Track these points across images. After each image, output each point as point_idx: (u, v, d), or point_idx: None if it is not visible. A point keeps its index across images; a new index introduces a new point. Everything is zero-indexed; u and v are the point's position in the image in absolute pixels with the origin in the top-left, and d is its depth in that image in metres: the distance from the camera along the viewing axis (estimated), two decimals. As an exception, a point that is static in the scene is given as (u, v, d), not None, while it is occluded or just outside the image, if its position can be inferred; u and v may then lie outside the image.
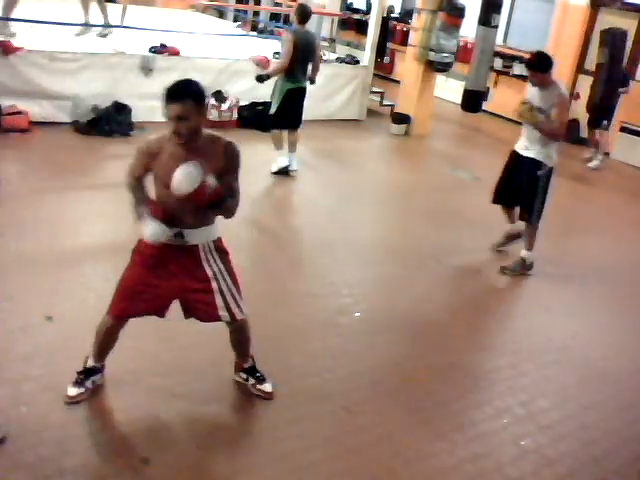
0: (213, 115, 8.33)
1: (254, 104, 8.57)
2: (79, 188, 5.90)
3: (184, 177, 2.81)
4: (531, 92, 5.16)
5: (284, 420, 3.38)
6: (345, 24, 14.62)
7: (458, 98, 10.13)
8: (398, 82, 11.26)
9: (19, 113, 7.07)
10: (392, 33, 13.24)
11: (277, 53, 8.77)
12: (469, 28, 9.70)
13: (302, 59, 6.74)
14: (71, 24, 8.51)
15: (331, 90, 9.78)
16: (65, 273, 4.48)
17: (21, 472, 2.83)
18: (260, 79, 6.85)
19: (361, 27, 13.37)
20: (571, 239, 6.52)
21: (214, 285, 3.19)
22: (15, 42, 7.33)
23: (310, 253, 5.47)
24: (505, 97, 11.79)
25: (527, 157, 5.21)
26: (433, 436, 3.47)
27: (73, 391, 3.27)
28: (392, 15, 13.62)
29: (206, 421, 3.32)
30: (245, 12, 14.61)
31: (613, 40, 9.02)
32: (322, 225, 6.11)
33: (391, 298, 4.93)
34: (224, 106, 8.43)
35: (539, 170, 5.14)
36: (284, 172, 7.11)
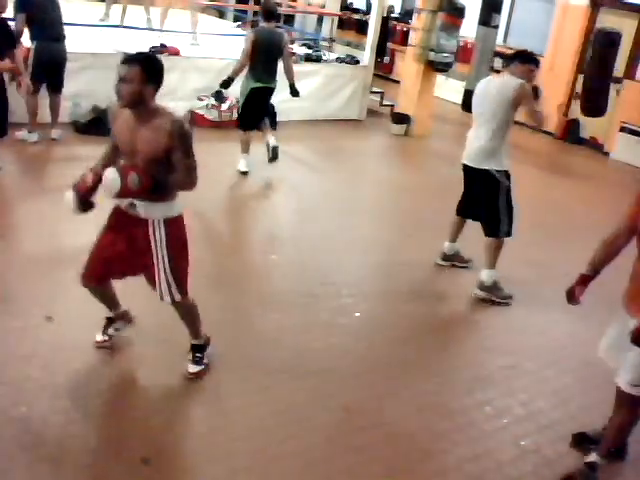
0: (213, 115, 8.34)
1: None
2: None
3: (105, 184, 3.07)
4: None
5: (284, 420, 3.38)
6: (345, 24, 14.62)
7: (458, 98, 10.14)
8: (398, 82, 11.26)
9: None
10: (392, 33, 13.23)
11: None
12: (469, 28, 9.70)
13: (265, 58, 6.57)
14: (70, 24, 8.49)
15: (331, 90, 9.78)
16: (65, 273, 4.47)
17: (21, 472, 2.83)
18: (224, 84, 6.78)
19: (361, 27, 13.37)
20: (571, 238, 6.52)
21: (154, 261, 3.29)
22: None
23: (310, 253, 5.47)
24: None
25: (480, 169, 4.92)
26: (433, 436, 3.47)
27: (100, 337, 3.68)
28: (392, 15, 13.60)
29: (206, 421, 3.32)
30: (245, 12, 14.59)
31: (599, 40, 9.04)
32: (322, 225, 6.11)
33: (391, 298, 4.93)
34: (224, 106, 8.42)
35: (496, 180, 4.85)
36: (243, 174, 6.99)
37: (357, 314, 4.58)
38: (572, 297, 3.29)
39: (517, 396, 3.90)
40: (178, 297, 3.37)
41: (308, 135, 8.45)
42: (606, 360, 3.22)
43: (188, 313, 3.52)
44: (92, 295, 3.53)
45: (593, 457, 3.22)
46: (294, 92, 7.01)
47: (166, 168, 3.12)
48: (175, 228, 3.32)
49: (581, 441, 3.45)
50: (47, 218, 5.24)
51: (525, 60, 4.73)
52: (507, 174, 4.90)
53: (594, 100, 9.03)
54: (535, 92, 4.74)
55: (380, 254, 5.77)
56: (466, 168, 5.03)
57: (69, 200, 3.27)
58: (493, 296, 4.99)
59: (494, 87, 4.79)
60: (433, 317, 4.76)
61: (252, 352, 3.92)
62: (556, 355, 4.41)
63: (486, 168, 4.86)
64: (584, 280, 3.25)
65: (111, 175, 3.04)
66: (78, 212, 3.32)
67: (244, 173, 6.90)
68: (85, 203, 3.31)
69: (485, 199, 4.99)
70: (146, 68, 3.07)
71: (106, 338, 3.69)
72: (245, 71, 6.70)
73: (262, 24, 6.77)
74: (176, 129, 3.10)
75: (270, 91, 6.84)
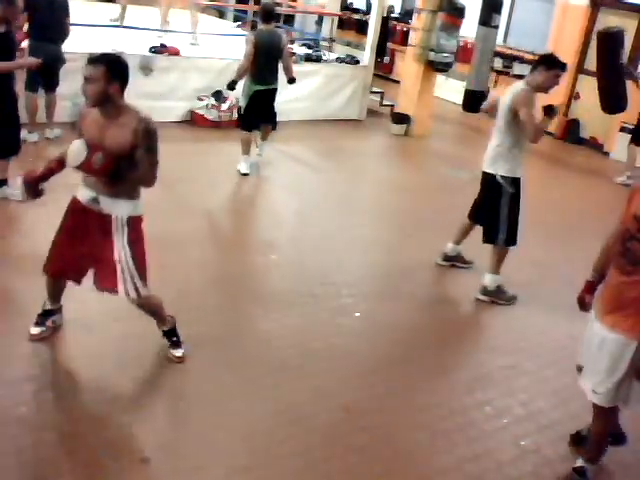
0: (213, 115, 8.34)
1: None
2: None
3: (71, 152, 3.16)
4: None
5: (284, 420, 3.38)
6: (345, 24, 14.62)
7: (458, 98, 10.14)
8: (398, 82, 11.26)
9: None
10: (392, 33, 13.22)
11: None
12: (469, 28, 9.70)
13: (266, 60, 6.62)
14: (71, 24, 8.48)
15: (331, 90, 9.78)
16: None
17: (21, 472, 2.83)
18: (230, 86, 6.80)
19: (361, 27, 13.37)
20: (571, 239, 6.52)
21: (116, 257, 3.31)
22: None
23: (310, 253, 5.47)
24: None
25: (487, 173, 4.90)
26: (433, 436, 3.47)
27: (36, 330, 3.64)
28: (392, 15, 13.60)
29: (206, 421, 3.32)
30: (245, 12, 14.59)
31: (609, 39, 8.98)
32: (322, 225, 6.11)
33: (391, 298, 4.93)
34: (224, 106, 8.42)
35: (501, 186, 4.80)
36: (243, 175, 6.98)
37: (357, 314, 4.58)
38: (584, 305, 3.29)
39: (517, 396, 3.90)
40: (145, 291, 3.40)
41: (308, 135, 8.45)
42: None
43: (153, 309, 3.55)
44: (48, 286, 3.59)
45: (580, 462, 3.23)
46: (291, 81, 7.03)
47: (129, 164, 3.19)
48: (138, 227, 3.37)
49: (579, 441, 3.46)
50: (47, 218, 5.24)
51: (551, 65, 4.58)
52: (515, 181, 4.80)
53: (616, 97, 8.95)
54: (551, 111, 4.63)
55: (380, 254, 5.77)
56: (482, 172, 4.98)
57: (18, 189, 3.46)
58: (497, 300, 4.98)
59: (508, 92, 4.75)
60: (433, 317, 4.76)
61: (252, 352, 3.92)
62: (556, 355, 4.40)
63: (492, 172, 4.82)
64: (591, 286, 3.25)
65: (78, 145, 3.14)
66: (27, 199, 3.58)
67: (244, 175, 6.91)
68: (33, 191, 3.48)
69: (487, 204, 4.97)
70: (110, 67, 3.15)
71: (43, 329, 3.67)
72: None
73: (261, 26, 6.78)
74: (142, 127, 3.16)
75: (272, 92, 6.87)
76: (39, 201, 4.98)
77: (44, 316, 3.69)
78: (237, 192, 6.80)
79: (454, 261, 5.50)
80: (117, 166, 3.17)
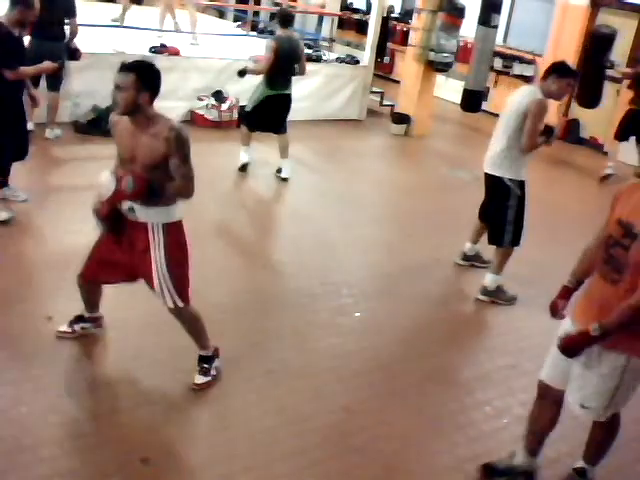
0: (213, 115, 8.34)
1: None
2: (79, 188, 5.89)
3: (101, 186, 3.18)
4: None
5: (284, 420, 3.38)
6: (345, 24, 14.61)
7: (458, 98, 10.13)
8: (398, 82, 11.26)
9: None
10: (392, 33, 13.21)
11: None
12: (469, 28, 9.69)
13: (284, 66, 6.64)
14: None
15: (331, 90, 9.78)
16: (65, 273, 4.47)
17: (21, 472, 2.83)
18: (241, 73, 6.80)
19: (361, 27, 13.36)
20: (571, 239, 6.51)
21: (154, 266, 3.28)
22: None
23: (310, 253, 5.47)
24: (505, 97, 11.78)
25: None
26: (433, 436, 3.47)
27: (64, 327, 3.69)
28: (392, 15, 13.59)
29: (206, 421, 3.32)
30: (245, 12, 14.59)
31: (592, 36, 9.09)
32: (322, 225, 6.11)
33: (391, 298, 4.93)
34: (224, 106, 8.42)
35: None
36: (243, 169, 6.97)
37: (357, 314, 4.58)
38: (556, 312, 3.11)
39: (517, 396, 3.89)
40: (180, 303, 3.35)
41: (308, 135, 8.44)
42: (550, 382, 3.03)
43: (191, 324, 3.47)
44: (80, 292, 3.58)
45: (581, 463, 3.20)
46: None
47: (164, 174, 3.15)
48: (174, 233, 3.32)
49: (491, 473, 3.20)
50: (47, 218, 5.25)
51: (563, 74, 4.58)
52: (521, 184, 4.82)
53: (588, 92, 9.07)
54: (550, 133, 4.66)
55: (380, 254, 5.77)
56: (485, 174, 4.98)
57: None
58: (497, 300, 4.98)
59: (518, 95, 4.74)
60: (433, 317, 4.76)
61: (252, 352, 3.92)
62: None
63: (498, 175, 4.81)
64: (566, 292, 3.06)
65: (105, 176, 3.13)
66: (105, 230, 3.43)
67: (244, 165, 6.91)
68: (111, 225, 3.37)
69: (493, 206, 4.98)
70: (141, 76, 3.10)
71: (69, 330, 3.69)
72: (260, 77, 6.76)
73: (279, 32, 6.78)
74: (173, 136, 3.11)
75: (286, 98, 6.84)
76: (39, 201, 4.98)
77: (76, 320, 3.72)
78: (237, 192, 6.80)
79: (473, 261, 5.53)
80: (149, 186, 3.13)
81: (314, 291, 4.78)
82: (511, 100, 4.81)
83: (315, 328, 4.31)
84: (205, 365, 3.53)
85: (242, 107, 8.55)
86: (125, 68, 3.09)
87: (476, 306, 5.00)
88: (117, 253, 3.37)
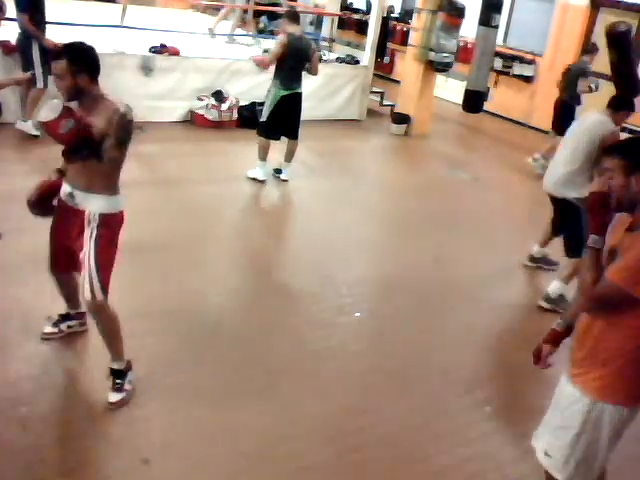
0: (213, 115, 8.34)
1: (254, 104, 8.57)
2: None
3: (45, 107, 3.02)
4: None
5: (284, 420, 3.38)
6: (345, 24, 14.61)
7: (458, 98, 10.14)
8: (398, 82, 11.26)
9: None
10: (392, 33, 13.23)
11: (266, 51, 8.69)
12: (469, 28, 9.70)
13: (295, 64, 6.63)
14: (70, 24, 8.50)
15: (331, 90, 9.78)
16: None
17: (21, 473, 2.83)
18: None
19: (361, 27, 13.36)
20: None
21: (82, 255, 3.22)
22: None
23: (310, 253, 5.47)
24: (505, 97, 11.81)
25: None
26: (433, 436, 3.47)
27: (48, 329, 3.67)
28: (392, 15, 13.61)
29: (206, 421, 3.32)
30: (245, 12, 14.57)
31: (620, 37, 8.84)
32: (322, 225, 6.11)
33: (391, 298, 4.93)
34: (224, 106, 8.42)
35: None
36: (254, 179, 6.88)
37: (357, 314, 4.59)
38: (538, 359, 2.64)
39: (517, 396, 3.89)
40: (100, 296, 3.18)
41: (308, 135, 8.41)
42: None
43: (107, 325, 3.28)
44: (57, 286, 3.57)
45: None
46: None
47: (93, 151, 3.03)
48: (110, 225, 3.21)
49: None
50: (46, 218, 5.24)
51: (622, 106, 5.20)
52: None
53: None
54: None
55: (380, 254, 5.77)
56: (550, 196, 5.15)
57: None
58: (559, 308, 4.93)
59: (589, 122, 5.06)
60: (433, 317, 4.76)
61: (252, 352, 3.92)
62: (556, 355, 4.39)
63: (566, 197, 4.97)
64: (555, 337, 2.59)
65: (56, 102, 3.00)
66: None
67: (261, 182, 6.78)
68: (44, 210, 3.43)
69: (568, 223, 5.06)
70: (73, 59, 3.05)
71: (56, 331, 3.68)
72: (272, 78, 6.74)
73: (290, 29, 6.70)
74: (117, 118, 3.04)
75: (297, 96, 6.81)
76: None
77: (61, 319, 3.71)
78: (237, 192, 6.79)
79: (540, 263, 5.63)
80: (81, 143, 2.99)
81: (314, 291, 4.79)
82: (580, 128, 5.08)
83: (315, 328, 4.31)
84: (118, 381, 3.32)
85: (242, 107, 8.60)
86: (56, 56, 3.07)
87: (476, 306, 5.00)
88: (70, 234, 3.32)
